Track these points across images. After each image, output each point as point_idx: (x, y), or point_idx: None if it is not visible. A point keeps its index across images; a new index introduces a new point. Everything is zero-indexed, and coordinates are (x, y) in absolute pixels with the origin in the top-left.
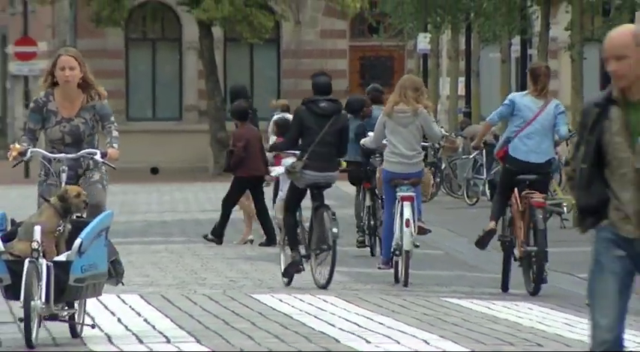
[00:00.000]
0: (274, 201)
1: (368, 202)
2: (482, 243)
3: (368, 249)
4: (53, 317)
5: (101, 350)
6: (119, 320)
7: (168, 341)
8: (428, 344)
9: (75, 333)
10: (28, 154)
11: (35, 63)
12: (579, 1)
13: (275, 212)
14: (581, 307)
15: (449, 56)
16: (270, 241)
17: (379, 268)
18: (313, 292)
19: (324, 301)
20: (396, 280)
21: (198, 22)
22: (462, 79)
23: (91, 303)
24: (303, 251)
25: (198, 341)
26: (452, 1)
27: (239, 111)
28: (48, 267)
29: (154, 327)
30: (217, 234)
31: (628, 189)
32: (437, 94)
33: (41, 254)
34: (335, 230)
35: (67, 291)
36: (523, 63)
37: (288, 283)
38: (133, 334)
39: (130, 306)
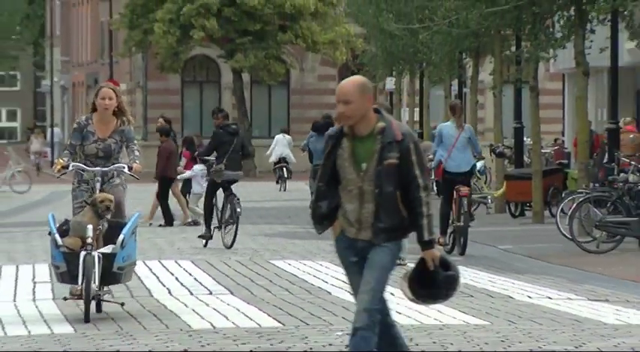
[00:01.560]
0: (188, 195)
1: None
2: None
3: None
4: (95, 299)
5: (163, 300)
6: (176, 278)
7: (210, 293)
8: (393, 295)
9: (99, 309)
10: (70, 167)
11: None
12: (499, 55)
13: (190, 202)
14: (500, 268)
15: (408, 93)
16: (168, 223)
17: None
18: (313, 259)
19: (320, 265)
20: None
21: (232, 69)
22: (416, 110)
23: (156, 266)
24: (216, 223)
25: (231, 293)
26: (410, 55)
27: (164, 130)
28: (99, 258)
29: (200, 283)
30: (169, 222)
31: (353, 202)
32: (400, 120)
33: (94, 247)
34: (239, 209)
35: (111, 277)
36: (460, 98)
37: (205, 245)
38: (186, 288)
39: (184, 269)
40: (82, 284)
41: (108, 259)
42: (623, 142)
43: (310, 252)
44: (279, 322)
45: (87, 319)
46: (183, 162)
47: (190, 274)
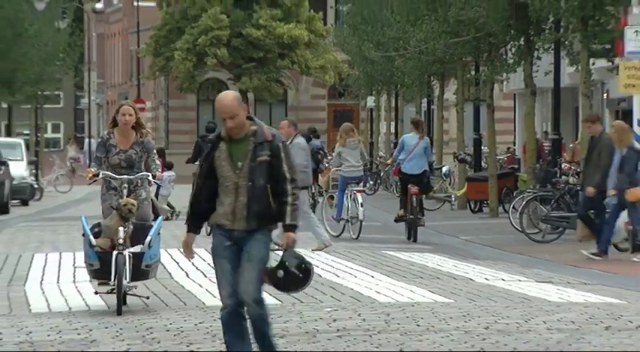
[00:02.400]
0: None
1: (313, 190)
2: (398, 220)
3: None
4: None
5: (182, 282)
6: (192, 263)
7: None
8: (373, 277)
9: (125, 302)
10: (100, 175)
11: (144, 114)
12: (461, 78)
13: (159, 202)
14: (462, 255)
15: (385, 110)
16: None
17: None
18: (306, 247)
19: (312, 252)
20: (357, 237)
21: (239, 90)
22: (392, 123)
23: (176, 254)
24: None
25: None
26: (387, 78)
27: None
28: (129, 257)
29: (210, 265)
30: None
31: (229, 196)
32: (378, 132)
33: (122, 246)
34: None
35: (140, 273)
36: (429, 114)
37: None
38: (200, 271)
39: (199, 255)
40: (114, 280)
41: (137, 258)
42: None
43: (303, 241)
44: (279, 300)
45: (119, 312)
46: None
47: (204, 260)
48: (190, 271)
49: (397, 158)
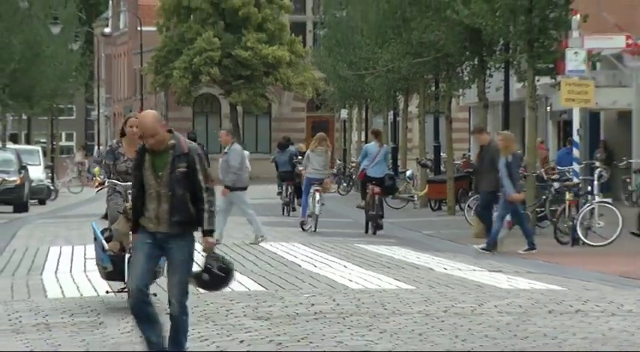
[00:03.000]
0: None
1: (290, 190)
2: (359, 207)
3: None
4: None
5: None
6: None
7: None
8: (346, 267)
9: None
10: (106, 183)
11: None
12: (423, 93)
13: None
14: (424, 248)
15: (357, 121)
16: None
17: (301, 222)
18: (288, 241)
19: (293, 245)
20: (315, 229)
21: (229, 103)
22: (363, 132)
23: None
24: None
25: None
26: (358, 93)
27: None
28: None
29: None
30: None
31: (152, 203)
32: (351, 140)
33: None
34: None
35: None
36: (394, 125)
37: None
38: (196, 263)
39: (196, 249)
40: (127, 280)
41: None
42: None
43: (286, 236)
44: (264, 287)
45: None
46: None
47: (198, 252)
48: None
49: (362, 164)
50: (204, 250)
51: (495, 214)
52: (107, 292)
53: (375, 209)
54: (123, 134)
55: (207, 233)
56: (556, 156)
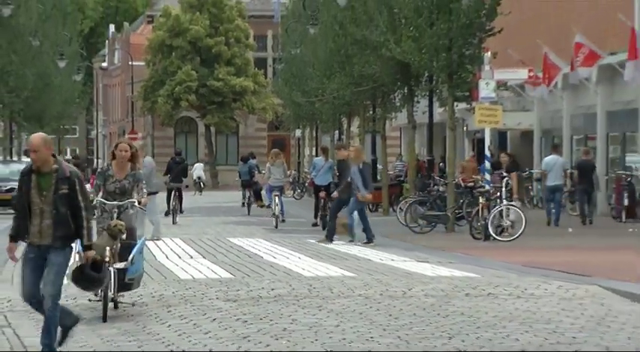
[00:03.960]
0: None
1: (249, 194)
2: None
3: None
4: (112, 301)
5: (163, 261)
6: (171, 249)
7: (192, 257)
8: (300, 259)
9: (116, 307)
10: (95, 201)
11: (137, 142)
12: (363, 116)
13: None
14: (413, 248)
15: (308, 139)
16: None
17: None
18: (252, 237)
19: (257, 241)
20: (276, 227)
21: (204, 125)
22: (314, 148)
23: (159, 242)
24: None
25: (204, 257)
26: (310, 116)
27: (77, 164)
28: (114, 272)
29: (185, 252)
30: None
31: (36, 219)
32: (304, 155)
33: (110, 263)
34: (181, 203)
35: (123, 286)
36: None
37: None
38: (176, 254)
39: (176, 243)
40: (101, 291)
41: (121, 273)
42: (463, 166)
43: (251, 233)
44: (232, 274)
45: (105, 319)
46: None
47: (179, 246)
48: (169, 254)
49: (312, 174)
50: (84, 261)
51: (354, 213)
52: (90, 300)
53: (324, 211)
54: (114, 157)
55: (87, 248)
56: (544, 164)
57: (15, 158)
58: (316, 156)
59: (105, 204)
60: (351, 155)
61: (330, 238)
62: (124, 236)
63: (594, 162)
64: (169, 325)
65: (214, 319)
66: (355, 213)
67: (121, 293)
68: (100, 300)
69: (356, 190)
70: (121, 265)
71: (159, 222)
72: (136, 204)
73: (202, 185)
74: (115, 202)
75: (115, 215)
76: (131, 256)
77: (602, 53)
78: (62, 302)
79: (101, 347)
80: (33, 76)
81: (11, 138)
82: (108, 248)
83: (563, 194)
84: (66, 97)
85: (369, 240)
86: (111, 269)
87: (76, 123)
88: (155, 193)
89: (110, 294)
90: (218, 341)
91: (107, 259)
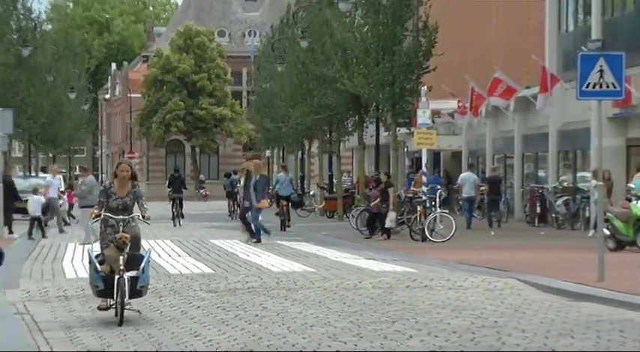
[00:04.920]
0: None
1: (231, 203)
2: (277, 214)
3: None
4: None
5: (156, 259)
6: (162, 248)
7: (179, 256)
8: (269, 256)
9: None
10: (102, 216)
11: (134, 160)
12: (321, 139)
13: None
14: (324, 243)
15: (277, 158)
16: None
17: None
18: (231, 239)
19: (235, 242)
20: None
21: (191, 146)
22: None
23: (152, 242)
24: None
25: (189, 255)
26: (278, 139)
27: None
28: (128, 280)
29: (174, 251)
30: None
31: None
32: (272, 171)
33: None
34: (182, 210)
35: (135, 293)
36: (302, 161)
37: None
38: (167, 252)
39: (166, 244)
40: (117, 298)
41: (133, 280)
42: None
43: (230, 235)
44: (213, 270)
45: (121, 323)
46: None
47: (169, 246)
48: (161, 252)
49: (275, 187)
50: None
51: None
52: (99, 308)
53: (285, 215)
54: (115, 176)
55: None
56: (429, 180)
57: (33, 174)
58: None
59: (110, 217)
60: (251, 168)
61: (255, 237)
62: (127, 248)
63: (501, 177)
64: (161, 312)
65: (198, 307)
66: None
67: (129, 301)
68: (109, 307)
69: (254, 198)
70: (132, 273)
71: (89, 231)
72: (139, 218)
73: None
74: (119, 217)
75: (121, 229)
76: (142, 265)
77: (518, 87)
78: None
79: (102, 327)
80: (48, 106)
81: (29, 157)
82: (121, 258)
83: (477, 203)
84: (75, 123)
85: (258, 240)
86: (125, 277)
87: (83, 144)
88: (91, 207)
89: (126, 300)
90: (202, 325)
91: (122, 268)
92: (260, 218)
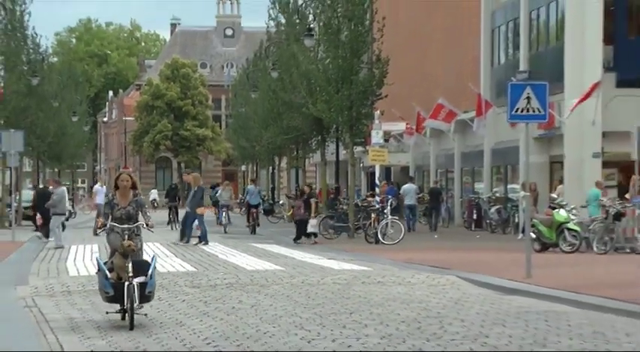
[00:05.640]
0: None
1: (216, 210)
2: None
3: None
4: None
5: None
6: (153, 251)
7: (167, 256)
8: (244, 257)
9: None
10: (108, 225)
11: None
12: (289, 156)
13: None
14: (290, 246)
15: (251, 172)
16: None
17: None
18: (211, 241)
19: (213, 243)
20: (225, 232)
21: (177, 162)
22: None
23: (150, 246)
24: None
25: (176, 256)
26: (251, 155)
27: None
28: (137, 285)
29: (161, 251)
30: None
31: None
32: (247, 184)
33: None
34: (177, 216)
35: (144, 298)
36: (273, 175)
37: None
38: (158, 255)
39: (157, 247)
40: (127, 303)
41: (142, 286)
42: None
43: (209, 238)
44: (196, 268)
45: (132, 327)
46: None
47: (158, 249)
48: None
49: (247, 197)
50: None
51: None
52: (107, 312)
53: (254, 221)
54: (117, 187)
55: None
56: (386, 191)
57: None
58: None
59: (115, 227)
60: (190, 181)
61: (186, 240)
62: (134, 254)
63: (441, 188)
64: (151, 305)
65: (183, 300)
66: (197, 221)
67: (137, 305)
68: (118, 312)
69: (195, 206)
70: (141, 279)
71: (58, 235)
72: (144, 226)
73: (156, 205)
74: (125, 226)
75: (126, 237)
76: (150, 272)
77: (458, 112)
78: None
79: (99, 317)
80: (54, 128)
81: (38, 172)
82: (130, 265)
83: (418, 210)
84: (77, 142)
85: (188, 241)
86: (134, 283)
87: (84, 160)
88: (62, 215)
89: (136, 305)
90: (186, 316)
91: (131, 274)
92: (197, 223)
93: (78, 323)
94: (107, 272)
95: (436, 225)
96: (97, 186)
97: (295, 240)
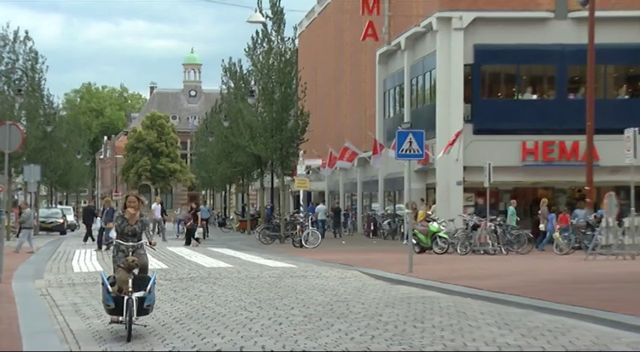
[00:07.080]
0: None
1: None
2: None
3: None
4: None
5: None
6: (152, 255)
7: (150, 259)
8: (204, 258)
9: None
10: (115, 242)
11: (117, 197)
12: (237, 184)
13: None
14: (239, 249)
15: (209, 196)
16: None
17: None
18: (178, 246)
19: (179, 249)
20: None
21: (154, 188)
22: (211, 201)
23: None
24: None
25: (152, 256)
26: (210, 183)
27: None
28: (136, 300)
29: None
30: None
31: None
32: (206, 204)
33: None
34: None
35: (142, 311)
36: (225, 197)
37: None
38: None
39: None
40: (126, 316)
41: (141, 300)
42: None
43: (177, 244)
44: (168, 266)
45: (129, 338)
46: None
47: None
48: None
49: (203, 214)
50: None
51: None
52: (110, 322)
53: (205, 229)
54: (125, 206)
55: None
56: (307, 209)
57: (53, 206)
58: (212, 205)
59: (121, 244)
60: (106, 203)
61: (100, 248)
62: (136, 270)
63: (339, 207)
64: None
65: (158, 290)
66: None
67: (137, 317)
68: (120, 322)
69: (107, 222)
70: (140, 294)
71: (22, 242)
72: (147, 244)
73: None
74: (130, 243)
75: (131, 252)
76: (149, 287)
77: (359, 151)
78: (99, 325)
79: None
80: (63, 163)
81: (51, 195)
82: (130, 280)
83: (328, 223)
84: (81, 174)
85: (100, 247)
86: (133, 297)
87: (86, 187)
88: (30, 228)
89: (134, 318)
90: (160, 301)
91: (130, 289)
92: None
93: (80, 307)
94: (109, 286)
95: (341, 233)
96: (154, 205)
97: (186, 244)
